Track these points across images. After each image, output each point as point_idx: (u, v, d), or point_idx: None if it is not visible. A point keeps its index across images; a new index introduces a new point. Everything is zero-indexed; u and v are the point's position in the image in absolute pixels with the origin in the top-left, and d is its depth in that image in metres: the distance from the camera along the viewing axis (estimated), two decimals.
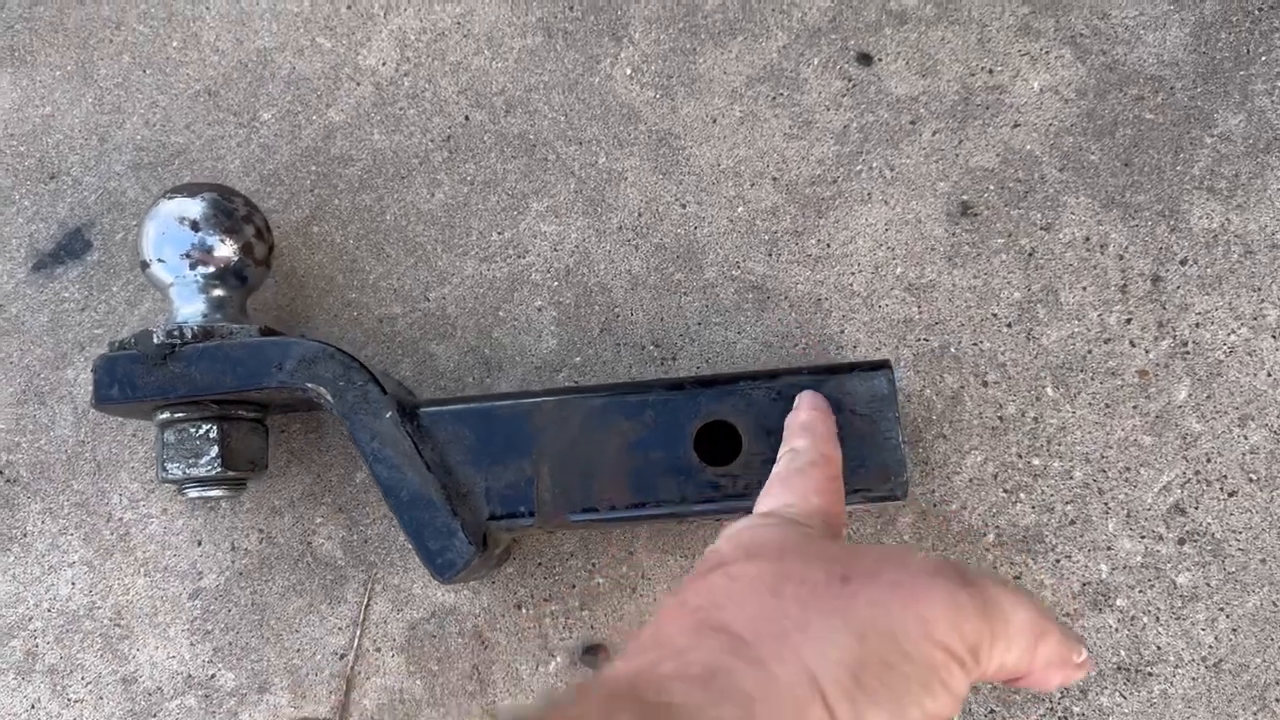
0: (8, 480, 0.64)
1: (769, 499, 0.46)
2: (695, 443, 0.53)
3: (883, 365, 0.53)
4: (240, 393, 0.55)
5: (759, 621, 0.35)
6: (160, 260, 0.57)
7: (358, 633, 0.61)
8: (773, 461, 0.52)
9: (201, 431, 0.55)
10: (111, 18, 0.69)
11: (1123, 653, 0.57)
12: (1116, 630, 0.57)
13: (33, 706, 0.61)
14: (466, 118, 0.66)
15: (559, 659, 0.60)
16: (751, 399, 0.53)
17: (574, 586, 0.61)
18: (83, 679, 0.62)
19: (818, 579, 0.36)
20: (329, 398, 0.53)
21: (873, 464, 0.52)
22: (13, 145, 0.68)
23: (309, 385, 0.53)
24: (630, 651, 0.36)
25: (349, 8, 0.67)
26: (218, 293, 0.58)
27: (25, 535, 0.63)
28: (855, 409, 0.53)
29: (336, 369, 0.54)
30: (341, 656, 0.61)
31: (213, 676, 0.61)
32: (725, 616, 0.35)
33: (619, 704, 0.32)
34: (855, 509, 0.59)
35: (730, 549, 0.40)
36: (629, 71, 0.65)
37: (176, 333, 0.55)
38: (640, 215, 0.64)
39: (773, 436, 0.53)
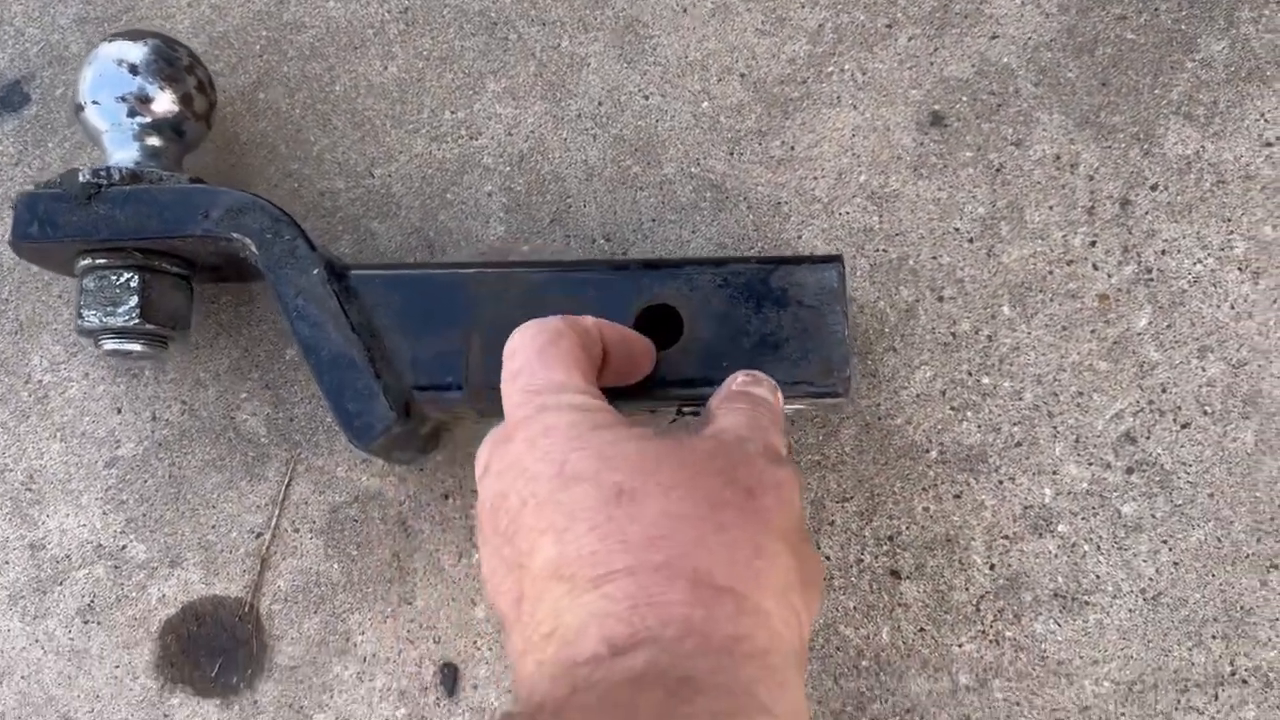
0: None
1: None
2: (636, 325, 0.51)
3: (834, 259, 0.51)
4: (165, 241, 0.52)
5: (731, 565, 0.35)
6: (95, 103, 0.54)
7: (276, 512, 0.59)
8: (713, 349, 0.51)
9: (122, 280, 0.53)
10: None
11: (1060, 579, 0.56)
12: (1056, 556, 0.56)
13: None
14: None
15: None
16: (696, 284, 0.51)
17: None
18: None
19: (734, 498, 0.37)
20: (254, 249, 0.51)
21: (815, 357, 0.50)
22: None
23: (235, 235, 0.51)
24: (626, 616, 0.33)
25: None
26: (153, 142, 0.55)
27: None
28: (803, 300, 0.51)
29: (264, 220, 0.51)
30: (258, 535, 0.59)
31: (124, 548, 0.59)
32: (699, 565, 0.34)
33: (644, 687, 0.31)
34: (799, 412, 0.57)
35: (620, 468, 0.37)
36: None
37: (104, 173, 0.52)
38: (601, 104, 0.61)
39: (715, 323, 0.51)
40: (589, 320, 0.45)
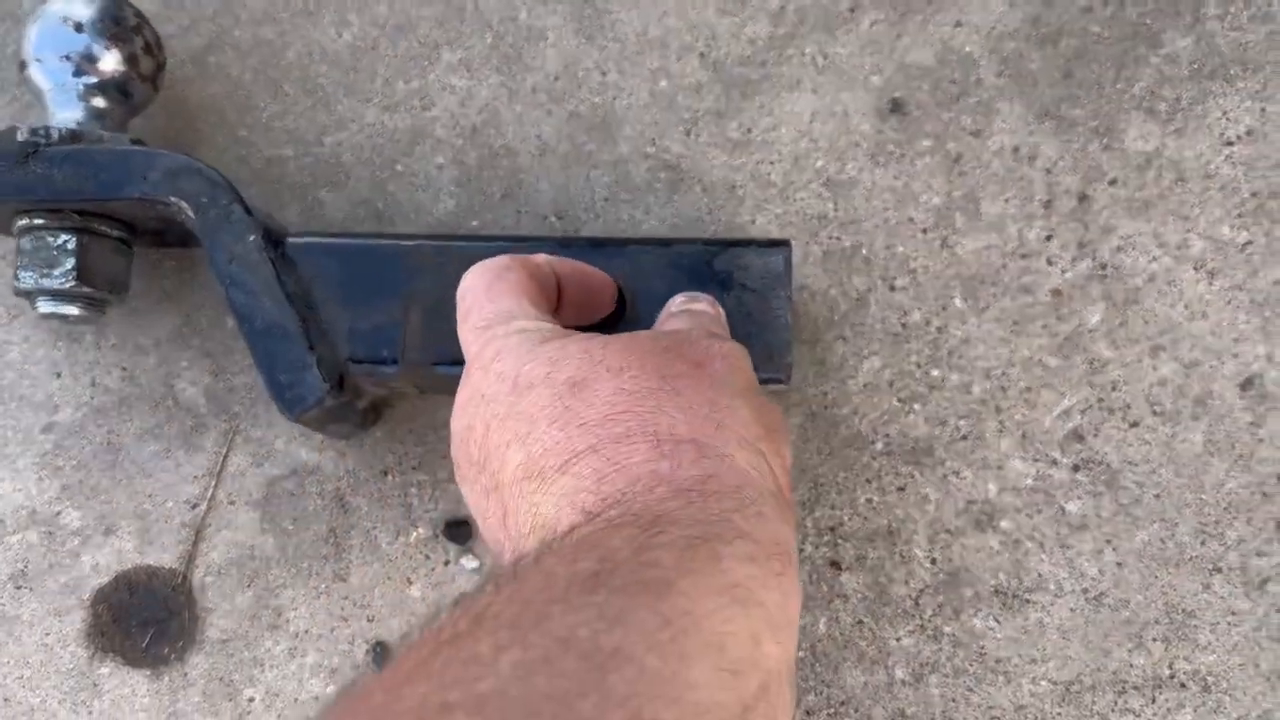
0: None
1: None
2: None
3: (782, 244, 0.51)
4: (102, 203, 0.51)
5: (690, 422, 0.35)
6: (39, 61, 0.53)
7: (213, 484, 0.58)
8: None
9: (59, 242, 0.52)
10: None
11: (1002, 576, 0.55)
12: (998, 553, 0.55)
13: None
14: None
15: (420, 530, 0.57)
16: (640, 264, 0.51)
17: (445, 457, 0.58)
18: None
19: (685, 369, 0.38)
20: (190, 213, 0.50)
21: (758, 343, 0.50)
22: None
23: (171, 199, 0.50)
24: (595, 488, 0.34)
25: None
26: (97, 103, 0.54)
27: None
28: (747, 284, 0.50)
29: (201, 184, 0.50)
30: (194, 506, 0.58)
31: (58, 514, 0.58)
32: (659, 427, 0.35)
33: (618, 529, 0.31)
34: None
35: (569, 366, 0.37)
36: None
37: (42, 132, 0.51)
38: (557, 79, 0.60)
39: (658, 303, 0.50)
40: (540, 256, 0.45)
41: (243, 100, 0.61)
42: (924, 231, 0.58)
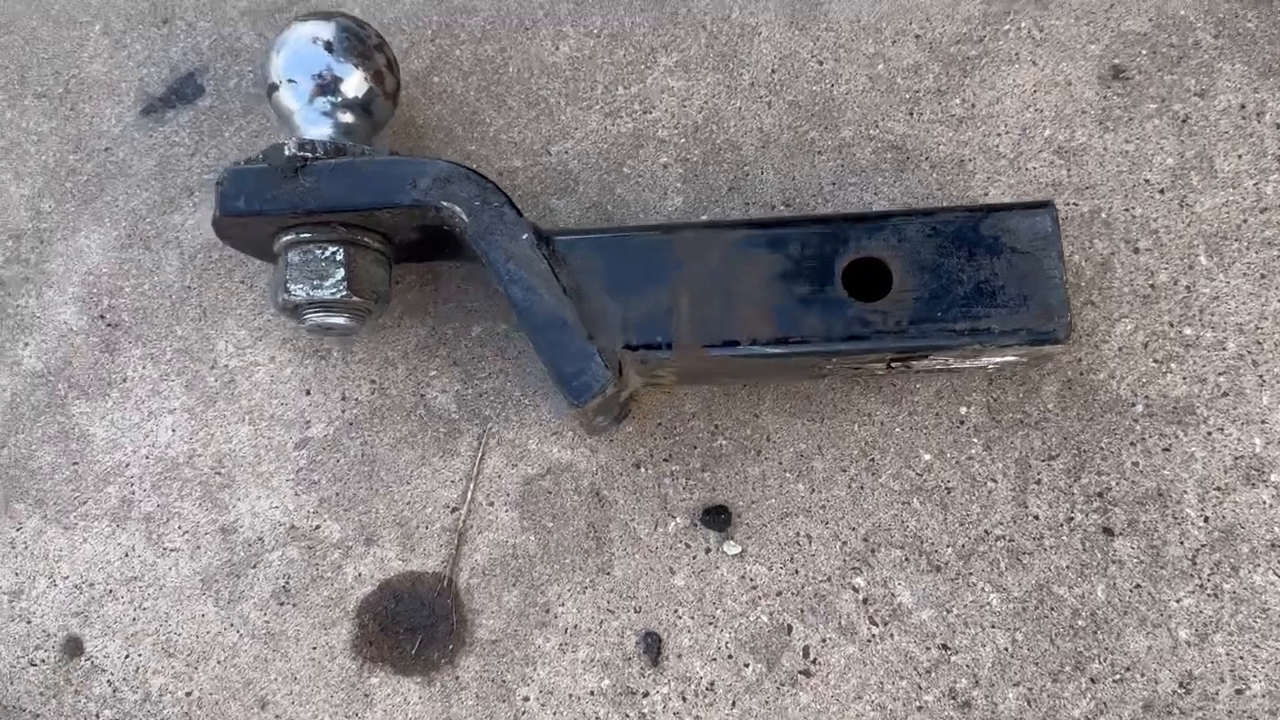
0: (109, 324, 0.62)
1: None
2: (844, 279, 0.51)
3: (1046, 204, 0.51)
4: (370, 215, 0.52)
5: None
6: (291, 81, 0.55)
7: (471, 486, 0.59)
8: (926, 299, 0.50)
9: (328, 254, 0.53)
10: None
11: (1277, 529, 0.54)
12: (1271, 506, 0.55)
13: (126, 554, 0.59)
14: None
15: (678, 519, 0.57)
16: (904, 235, 0.51)
17: (695, 447, 0.58)
18: (179, 527, 0.59)
19: None
20: (464, 217, 0.51)
21: (1035, 303, 0.50)
22: None
23: (444, 204, 0.51)
24: None
25: None
26: (345, 120, 0.56)
27: (125, 380, 0.61)
28: (1017, 247, 0.50)
29: (472, 189, 0.51)
30: (453, 510, 0.58)
31: (317, 528, 0.59)
32: None
33: None
34: (1003, 365, 0.56)
35: None
36: None
37: (309, 146, 0.53)
38: (774, 72, 0.61)
39: (926, 274, 0.50)
40: None
41: (469, 116, 0.62)
42: (1161, 192, 0.58)
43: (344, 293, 0.53)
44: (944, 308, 0.50)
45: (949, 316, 0.50)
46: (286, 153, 0.53)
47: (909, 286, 0.51)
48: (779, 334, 0.51)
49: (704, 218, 0.60)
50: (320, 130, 0.56)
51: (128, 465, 0.60)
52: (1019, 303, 0.50)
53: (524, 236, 0.51)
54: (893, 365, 0.53)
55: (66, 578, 0.59)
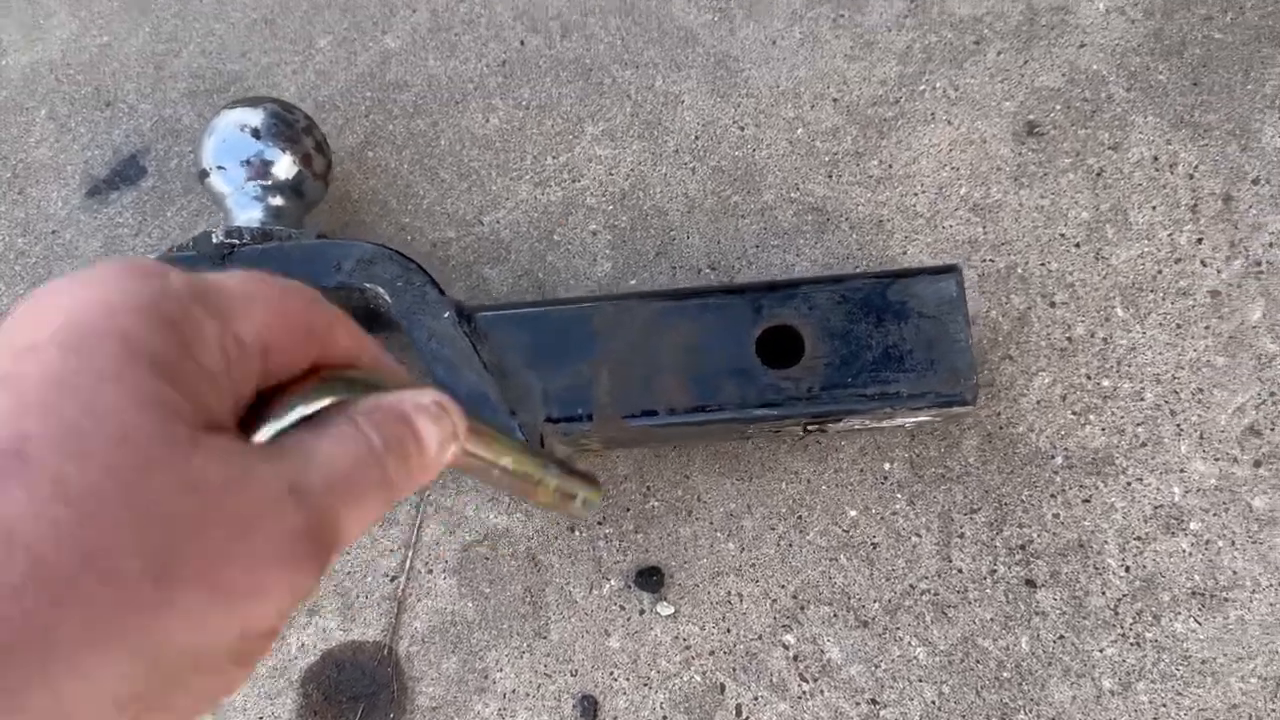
0: None
1: None
2: (757, 347, 0.52)
3: (951, 269, 0.52)
4: None
5: (30, 628, 0.22)
6: (220, 168, 0.57)
7: (409, 555, 0.60)
8: (836, 365, 0.51)
9: None
10: None
11: (1197, 577, 0.55)
12: (1190, 554, 0.55)
13: None
14: (522, 42, 0.65)
15: (613, 582, 0.59)
16: (815, 302, 0.52)
17: (628, 510, 0.59)
18: None
19: (128, 575, 0.22)
20: (387, 298, 0.53)
21: (942, 367, 0.51)
22: (70, 74, 0.68)
23: (367, 285, 0.53)
24: None
25: None
26: (275, 203, 0.57)
27: None
28: (924, 312, 0.52)
29: (395, 269, 0.53)
30: (393, 579, 0.60)
31: None
32: None
33: None
34: (920, 424, 0.57)
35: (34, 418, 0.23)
36: None
37: (236, 233, 0.54)
38: (697, 138, 0.63)
39: (837, 340, 0.52)
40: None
41: (403, 189, 0.64)
42: (1076, 246, 0.59)
43: None
44: (854, 373, 0.51)
45: (859, 381, 0.51)
46: (214, 240, 0.54)
47: (820, 353, 0.52)
48: (696, 403, 0.52)
49: (632, 283, 0.62)
50: (252, 213, 0.57)
51: None
52: (926, 366, 0.51)
53: (445, 315, 0.53)
54: (809, 429, 0.54)
55: None
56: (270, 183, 0.57)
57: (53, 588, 0.21)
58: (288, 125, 0.58)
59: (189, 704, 0.25)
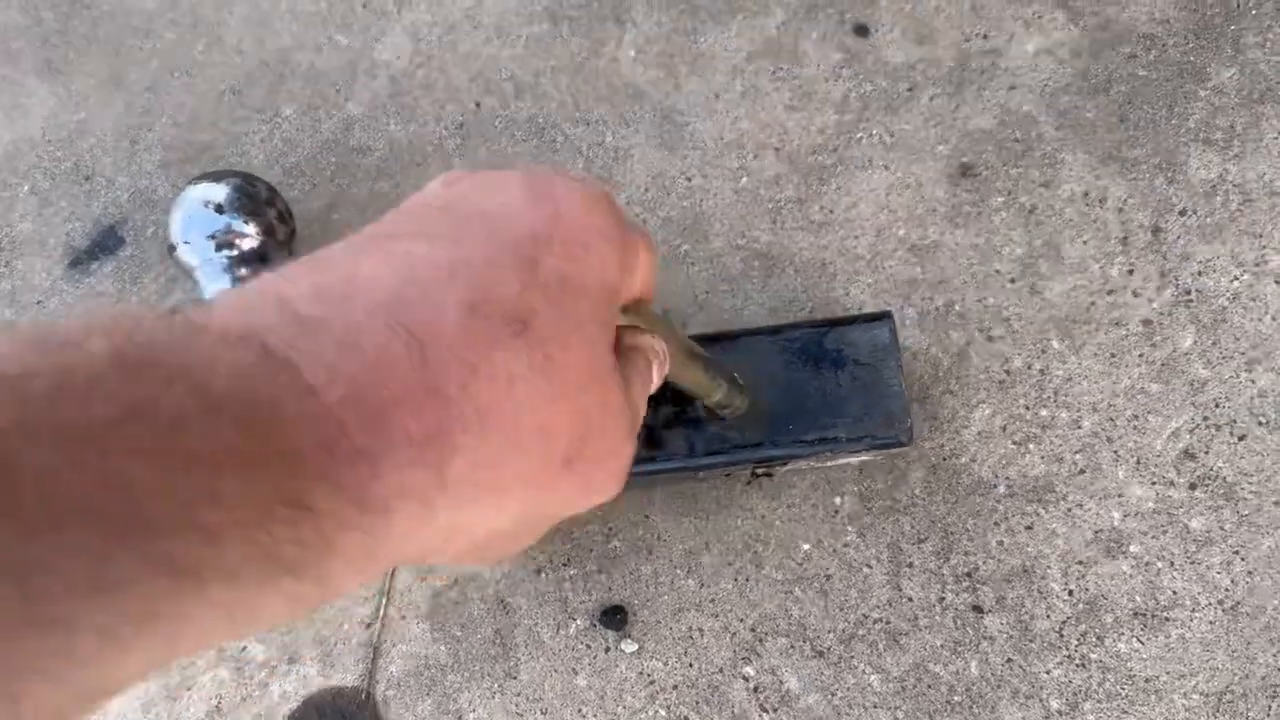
0: None
1: None
2: None
3: (884, 316, 0.55)
4: None
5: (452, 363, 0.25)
6: (186, 243, 0.60)
7: (383, 602, 0.62)
8: (778, 413, 0.54)
9: None
10: (141, 27, 0.72)
11: (1139, 599, 0.57)
12: (1132, 576, 0.58)
13: None
14: (478, 104, 0.68)
15: (579, 621, 0.61)
16: (755, 352, 0.55)
17: (592, 550, 0.62)
18: None
19: (554, 453, 0.28)
20: None
21: (877, 412, 0.53)
22: (50, 150, 0.71)
23: None
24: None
25: (364, 6, 0.70)
26: (242, 273, 0.60)
27: None
28: (859, 359, 0.54)
29: None
30: (368, 626, 0.62)
31: (244, 649, 0.63)
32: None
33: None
34: (866, 461, 0.60)
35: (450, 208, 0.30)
36: (633, 53, 0.67)
37: None
38: (647, 190, 0.65)
39: (777, 388, 0.54)
40: None
41: None
42: (1011, 281, 0.61)
43: None
44: (794, 420, 0.54)
45: (799, 428, 0.54)
46: None
47: (762, 400, 0.54)
48: (645, 453, 0.55)
49: None
50: (220, 283, 0.60)
51: None
52: (862, 411, 0.53)
53: None
54: (757, 473, 0.57)
55: None
56: (236, 254, 0.60)
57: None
58: (250, 198, 0.60)
59: (496, 553, 0.31)
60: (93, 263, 0.69)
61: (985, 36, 0.64)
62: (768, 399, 0.54)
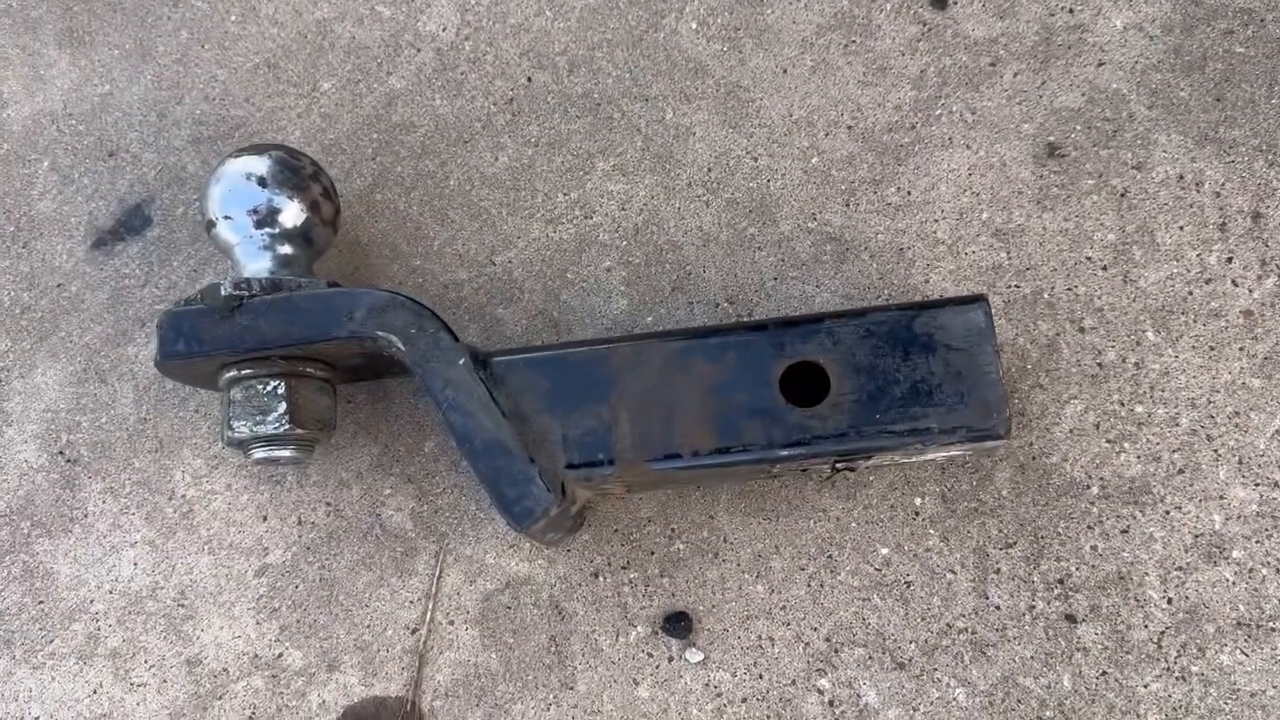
0: (68, 460, 0.62)
1: None
2: (781, 384, 0.51)
3: (979, 299, 0.51)
4: (309, 346, 0.53)
5: None
6: (227, 218, 0.56)
7: (430, 606, 0.58)
8: (864, 401, 0.50)
9: (269, 388, 0.54)
10: None
11: (1241, 608, 0.54)
12: (1234, 584, 0.54)
13: (94, 691, 0.59)
14: (529, 79, 0.64)
15: (639, 628, 0.57)
16: (839, 338, 0.51)
17: (653, 553, 0.58)
18: (145, 662, 0.59)
19: None
20: (400, 346, 0.51)
21: (973, 399, 0.49)
22: (72, 125, 0.67)
23: (380, 334, 0.52)
24: None
25: None
26: (284, 251, 0.56)
27: (86, 515, 0.62)
28: (951, 344, 0.50)
29: (408, 316, 0.52)
30: (414, 631, 0.58)
31: (280, 656, 0.59)
32: None
33: None
34: (951, 458, 0.56)
35: None
36: (694, 25, 0.63)
37: (244, 285, 0.53)
38: (710, 170, 0.62)
39: (863, 375, 0.50)
40: None
41: (412, 231, 0.63)
42: (1104, 269, 0.57)
43: (286, 427, 0.53)
44: (882, 409, 0.50)
45: (888, 418, 0.50)
46: (223, 292, 0.53)
47: (846, 389, 0.50)
48: (720, 444, 0.51)
49: (648, 319, 0.60)
50: (260, 262, 0.56)
51: (92, 601, 0.61)
52: (957, 400, 0.50)
53: (460, 362, 0.51)
54: (838, 467, 0.53)
55: (37, 718, 0.59)
56: (278, 231, 0.56)
57: None
58: (294, 172, 0.56)
59: None
60: (118, 244, 0.65)
61: (1071, 10, 0.61)
62: (852, 388, 0.50)
